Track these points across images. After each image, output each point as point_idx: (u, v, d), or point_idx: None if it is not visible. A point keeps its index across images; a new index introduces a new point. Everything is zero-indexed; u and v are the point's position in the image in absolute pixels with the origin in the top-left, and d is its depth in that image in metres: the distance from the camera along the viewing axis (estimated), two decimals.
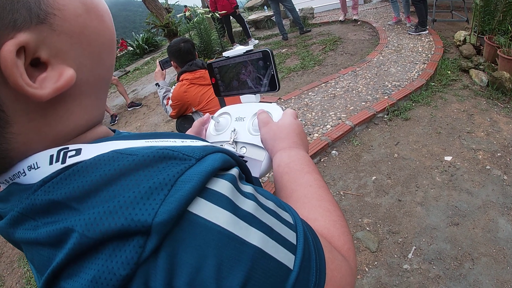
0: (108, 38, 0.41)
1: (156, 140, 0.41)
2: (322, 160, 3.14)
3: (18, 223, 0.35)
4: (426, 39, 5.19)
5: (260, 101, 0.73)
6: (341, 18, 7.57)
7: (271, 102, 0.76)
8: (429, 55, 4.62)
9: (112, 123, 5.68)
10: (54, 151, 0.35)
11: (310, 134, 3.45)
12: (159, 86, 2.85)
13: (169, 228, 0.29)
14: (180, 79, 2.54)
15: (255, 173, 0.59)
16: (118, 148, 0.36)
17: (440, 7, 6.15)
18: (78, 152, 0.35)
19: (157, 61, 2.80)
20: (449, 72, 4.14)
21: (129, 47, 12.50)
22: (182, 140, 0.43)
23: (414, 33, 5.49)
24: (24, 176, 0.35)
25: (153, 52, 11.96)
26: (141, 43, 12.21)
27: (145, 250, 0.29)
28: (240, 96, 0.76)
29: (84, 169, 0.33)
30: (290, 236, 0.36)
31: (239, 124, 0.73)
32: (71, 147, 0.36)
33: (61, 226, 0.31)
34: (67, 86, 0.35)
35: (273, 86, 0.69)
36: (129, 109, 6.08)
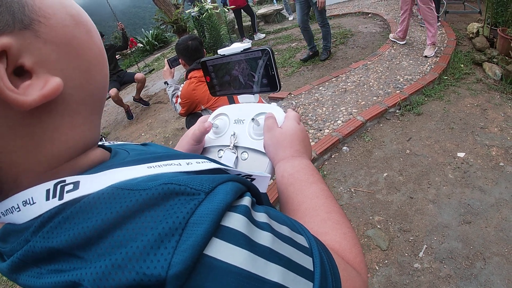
0: (97, 53, 0.41)
1: (159, 164, 0.39)
2: (333, 156, 3.12)
3: (20, 269, 0.34)
4: (439, 32, 5.07)
5: (269, 96, 0.70)
6: (427, 54, 4.34)
7: (271, 103, 0.74)
8: (441, 47, 4.52)
9: (130, 119, 5.55)
10: (50, 184, 0.33)
11: (320, 130, 3.42)
12: (168, 84, 2.86)
13: (185, 278, 0.28)
14: (189, 77, 2.54)
15: (262, 189, 0.56)
16: (118, 180, 0.34)
17: None
18: (76, 185, 0.33)
19: (165, 59, 2.80)
20: (462, 65, 4.04)
21: (139, 43, 12.55)
22: (187, 161, 0.42)
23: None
24: (18, 211, 0.33)
25: (163, 48, 11.98)
26: (150, 39, 12.24)
27: None
28: (238, 96, 0.73)
29: (83, 210, 0.31)
30: (307, 262, 0.35)
31: (239, 127, 0.70)
32: (68, 179, 0.34)
33: (68, 279, 0.29)
34: (53, 94, 0.33)
35: (273, 86, 0.66)
36: (134, 101, 5.89)
